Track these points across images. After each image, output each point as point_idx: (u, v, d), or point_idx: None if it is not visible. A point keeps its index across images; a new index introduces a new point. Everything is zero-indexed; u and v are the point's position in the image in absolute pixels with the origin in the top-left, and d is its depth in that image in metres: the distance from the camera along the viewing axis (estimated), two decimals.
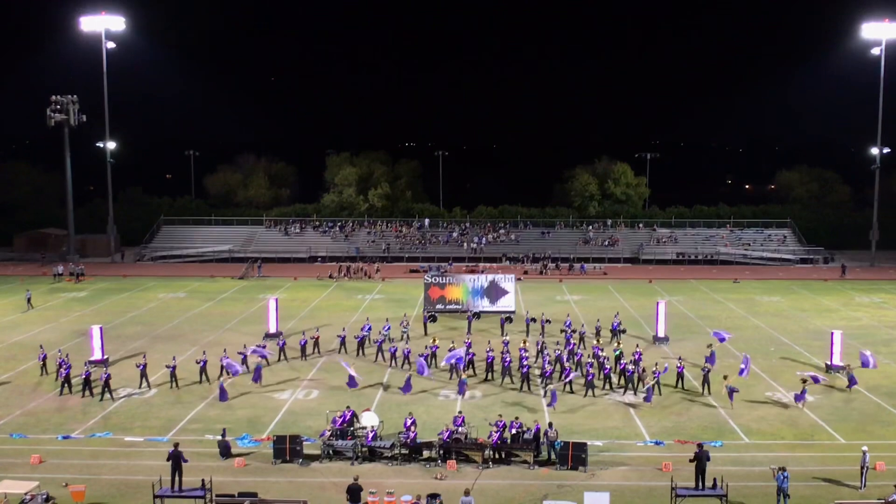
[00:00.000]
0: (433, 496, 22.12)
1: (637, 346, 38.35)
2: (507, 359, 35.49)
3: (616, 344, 40.05)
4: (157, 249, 79.79)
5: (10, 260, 76.84)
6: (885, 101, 74.47)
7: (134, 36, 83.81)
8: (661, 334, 43.24)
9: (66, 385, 33.29)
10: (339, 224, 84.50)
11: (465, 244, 79.90)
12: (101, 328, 38.55)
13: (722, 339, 40.76)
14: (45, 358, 36.38)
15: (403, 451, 26.41)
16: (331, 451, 26.47)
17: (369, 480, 23.60)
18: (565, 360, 36.08)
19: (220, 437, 26.99)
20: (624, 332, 43.36)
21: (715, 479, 23.39)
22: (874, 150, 76.59)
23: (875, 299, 57.72)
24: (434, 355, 37.45)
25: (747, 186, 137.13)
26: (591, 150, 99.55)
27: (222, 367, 35.18)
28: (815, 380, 33.58)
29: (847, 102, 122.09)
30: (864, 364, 35.84)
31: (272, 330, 43.59)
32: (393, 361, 37.84)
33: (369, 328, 42.03)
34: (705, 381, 33.68)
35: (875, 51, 73.37)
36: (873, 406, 32.34)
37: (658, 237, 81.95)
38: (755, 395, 33.45)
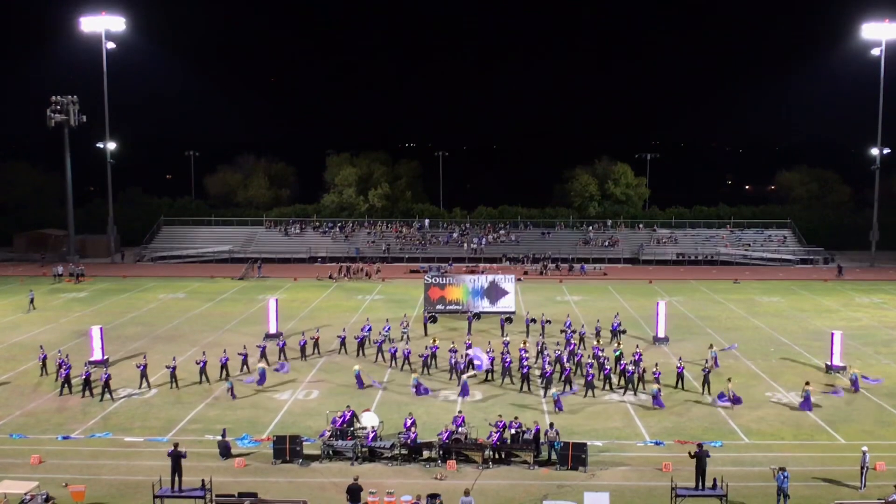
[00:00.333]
0: (433, 496, 22.12)
1: (637, 346, 38.37)
2: (508, 359, 35.49)
3: (616, 344, 40.06)
4: (156, 250, 79.80)
5: (9, 260, 76.86)
6: (885, 101, 74.55)
7: (134, 36, 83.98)
8: (661, 335, 43.24)
9: (66, 385, 33.29)
10: (339, 224, 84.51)
11: (465, 245, 79.91)
12: (101, 329, 38.55)
13: (731, 349, 40.71)
14: (45, 358, 36.38)
15: (403, 451, 26.41)
16: (331, 452, 26.47)
17: (369, 481, 23.60)
18: (565, 360, 36.07)
19: (220, 438, 26.99)
20: (624, 332, 43.35)
21: (715, 480, 23.39)
22: (874, 151, 76.60)
23: (875, 300, 57.73)
24: (434, 356, 37.46)
25: (747, 187, 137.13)
26: (591, 151, 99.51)
27: (222, 366, 35.29)
28: (837, 393, 33.38)
29: (847, 102, 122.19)
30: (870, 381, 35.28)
31: (272, 331, 43.59)
32: (393, 362, 37.83)
33: (369, 329, 42.03)
34: (705, 381, 33.69)
35: (875, 51, 73.39)
36: (873, 406, 32.33)
37: (658, 238, 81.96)
38: (755, 396, 33.45)
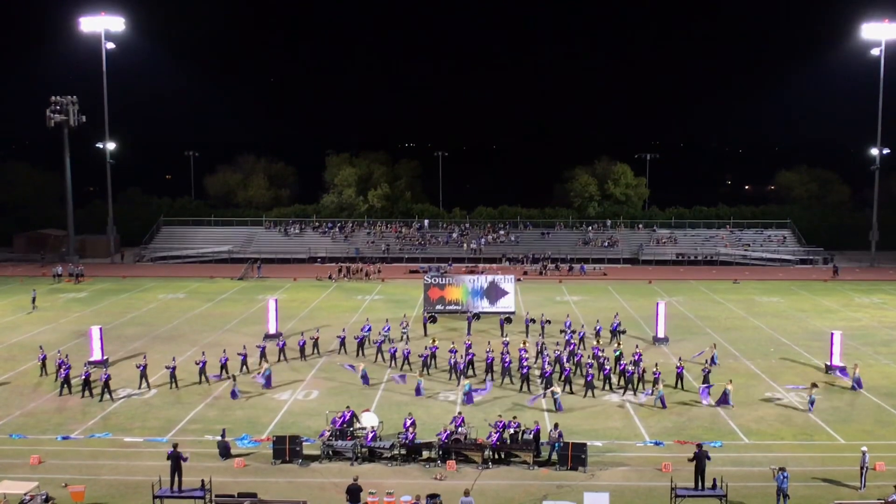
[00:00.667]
0: (433, 496, 22.13)
1: (637, 346, 38.38)
2: (507, 359, 35.49)
3: (616, 344, 40.09)
4: (156, 250, 79.77)
5: (9, 260, 76.84)
6: (885, 102, 74.53)
7: (134, 36, 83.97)
8: (660, 335, 43.25)
9: (65, 386, 33.29)
10: (338, 225, 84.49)
11: (465, 245, 79.90)
12: (100, 329, 38.56)
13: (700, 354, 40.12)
14: (44, 358, 36.36)
15: (403, 451, 26.40)
16: (330, 452, 26.47)
17: (369, 481, 23.60)
18: (565, 360, 36.07)
19: (219, 438, 26.98)
20: (624, 332, 43.35)
21: (715, 480, 23.39)
22: (874, 151, 76.60)
23: (875, 300, 57.73)
24: (434, 356, 37.45)
25: (747, 187, 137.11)
26: (590, 151, 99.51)
27: (222, 366, 35.30)
28: (843, 373, 34.37)
29: (847, 102, 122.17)
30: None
31: (272, 331, 43.58)
32: (392, 362, 37.83)
33: (369, 329, 42.03)
34: (705, 381, 33.66)
35: (875, 51, 73.38)
36: (873, 406, 32.34)
37: (658, 238, 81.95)
38: (755, 396, 33.46)
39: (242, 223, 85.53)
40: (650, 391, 32.71)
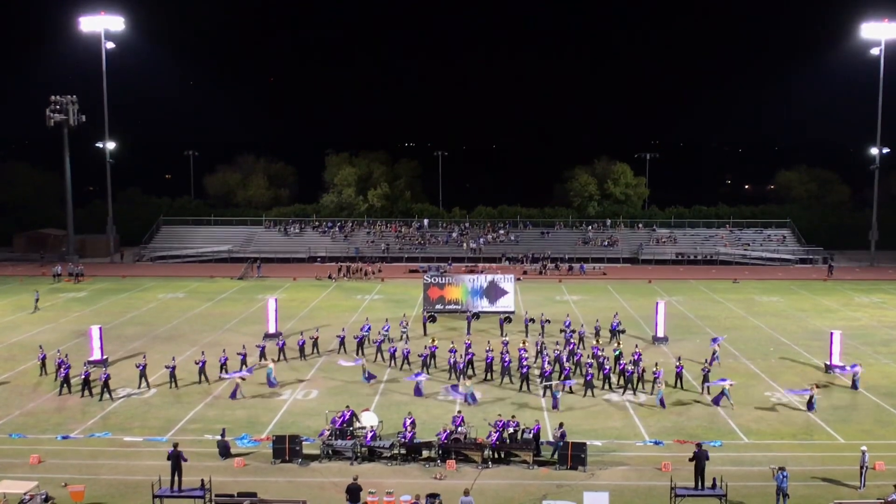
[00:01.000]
0: (432, 496, 22.13)
1: (636, 346, 38.38)
2: (507, 359, 35.49)
3: (616, 344, 40.09)
4: (156, 250, 79.79)
5: (9, 260, 76.83)
6: (885, 101, 74.55)
7: (133, 36, 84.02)
8: (660, 334, 43.26)
9: (65, 385, 33.29)
10: (338, 224, 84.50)
11: (465, 244, 79.90)
12: (100, 328, 38.55)
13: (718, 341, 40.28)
14: (44, 358, 36.36)
15: (403, 451, 26.41)
16: (330, 451, 26.47)
17: (369, 480, 23.59)
18: (565, 360, 36.07)
19: (219, 437, 26.99)
20: (623, 332, 43.35)
21: (714, 479, 23.39)
22: (873, 151, 76.63)
23: (874, 299, 57.74)
24: (433, 355, 37.46)
25: (747, 186, 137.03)
26: (590, 151, 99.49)
27: (221, 366, 35.31)
28: (842, 369, 34.42)
29: (847, 102, 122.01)
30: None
31: (272, 330, 43.58)
32: (392, 361, 37.83)
33: (369, 328, 42.03)
34: (705, 381, 33.68)
35: (875, 51, 73.41)
36: (873, 406, 32.35)
37: (657, 237, 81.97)
38: (755, 396, 33.46)
39: (242, 223, 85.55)
40: (654, 390, 32.68)
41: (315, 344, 40.14)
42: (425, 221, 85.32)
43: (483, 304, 48.89)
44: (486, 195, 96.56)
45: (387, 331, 41.75)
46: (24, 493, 22.24)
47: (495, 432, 26.37)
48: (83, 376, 33.13)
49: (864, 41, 73.96)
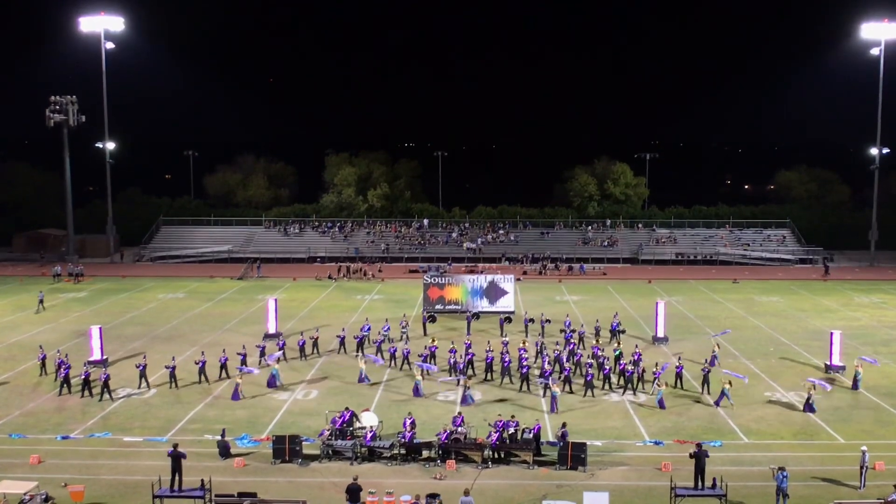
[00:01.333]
0: (432, 496, 22.13)
1: (636, 346, 38.38)
2: (507, 359, 35.49)
3: (616, 344, 40.09)
4: (156, 250, 79.76)
5: (9, 260, 76.81)
6: (885, 101, 74.55)
7: (133, 36, 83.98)
8: (660, 334, 43.26)
9: (65, 385, 33.28)
10: (338, 224, 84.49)
11: (465, 244, 79.88)
12: (100, 328, 38.54)
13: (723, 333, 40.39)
14: (44, 358, 36.35)
15: (402, 451, 26.40)
16: (330, 451, 26.47)
17: (368, 480, 23.59)
18: (565, 360, 36.07)
19: (219, 438, 26.99)
20: (623, 332, 43.35)
21: (714, 479, 23.39)
22: (873, 151, 76.60)
23: (874, 299, 57.74)
24: (433, 355, 37.46)
25: (746, 186, 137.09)
26: (590, 151, 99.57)
27: (221, 366, 35.30)
28: (824, 386, 33.43)
29: (846, 102, 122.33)
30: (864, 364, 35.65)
31: (272, 330, 43.58)
32: (392, 362, 37.83)
33: (368, 328, 42.04)
34: (705, 381, 33.68)
35: (874, 51, 73.39)
36: (873, 406, 32.35)
37: (657, 237, 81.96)
38: (755, 396, 33.46)
39: (242, 223, 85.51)
40: (654, 391, 32.67)
41: (315, 344, 40.13)
42: (425, 221, 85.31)
43: (483, 305, 48.89)
44: (485, 195, 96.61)
45: (387, 331, 41.75)
46: (24, 494, 22.23)
47: (495, 432, 26.37)
48: (83, 376, 33.12)
49: (864, 41, 73.95)
